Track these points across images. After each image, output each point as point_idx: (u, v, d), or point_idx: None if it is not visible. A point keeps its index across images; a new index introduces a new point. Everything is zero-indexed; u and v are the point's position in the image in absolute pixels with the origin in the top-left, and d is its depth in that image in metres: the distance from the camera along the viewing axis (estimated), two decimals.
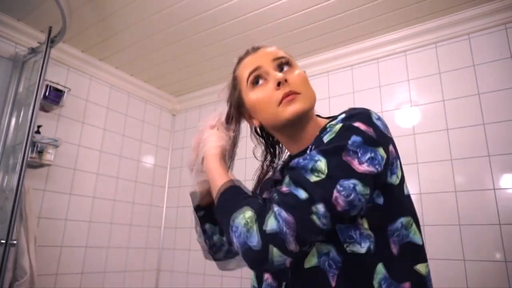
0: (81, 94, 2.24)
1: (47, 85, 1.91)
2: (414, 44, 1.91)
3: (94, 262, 2.17)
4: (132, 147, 2.54)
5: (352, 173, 0.56)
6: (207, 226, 0.83)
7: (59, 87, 1.99)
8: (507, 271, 1.44)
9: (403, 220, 0.64)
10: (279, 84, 0.69)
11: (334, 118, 0.69)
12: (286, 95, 0.68)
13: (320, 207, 0.54)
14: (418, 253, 0.64)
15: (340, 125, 0.62)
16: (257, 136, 0.86)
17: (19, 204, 1.54)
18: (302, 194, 0.56)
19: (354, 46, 2.06)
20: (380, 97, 1.96)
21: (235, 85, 0.79)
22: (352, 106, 2.05)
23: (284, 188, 0.59)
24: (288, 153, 0.81)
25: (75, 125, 2.18)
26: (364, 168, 0.57)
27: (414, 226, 0.66)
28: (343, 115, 0.66)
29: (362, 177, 0.56)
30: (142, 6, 1.77)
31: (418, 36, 1.89)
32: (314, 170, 0.57)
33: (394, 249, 0.61)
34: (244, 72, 0.74)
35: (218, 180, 0.70)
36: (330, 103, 2.12)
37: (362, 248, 0.59)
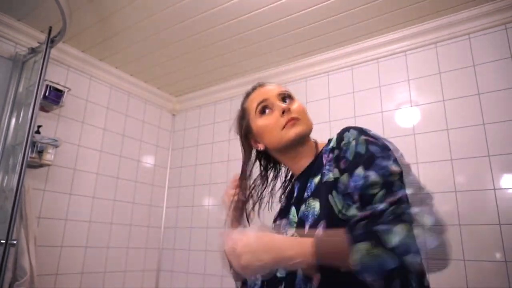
0: (81, 94, 2.24)
1: (47, 85, 1.91)
2: (414, 44, 1.91)
3: (94, 262, 2.17)
4: (132, 147, 2.54)
5: (395, 175, 0.67)
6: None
7: (59, 87, 1.99)
8: (507, 271, 1.44)
9: None
10: (283, 112, 0.83)
11: (329, 141, 0.81)
12: (289, 120, 0.82)
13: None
14: None
15: (353, 141, 0.73)
16: (260, 159, 0.96)
17: (19, 204, 1.54)
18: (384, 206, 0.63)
19: (354, 46, 2.06)
20: (380, 97, 1.96)
21: (243, 115, 0.92)
22: (352, 106, 2.06)
23: (368, 212, 0.64)
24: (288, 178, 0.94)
25: (75, 125, 2.18)
26: (396, 169, 0.68)
27: None
28: (336, 136, 0.78)
29: (400, 176, 0.67)
30: (142, 7, 1.77)
31: (418, 36, 1.89)
32: (370, 186, 0.66)
33: None
34: (253, 103, 0.89)
35: (297, 250, 0.65)
36: (330, 103, 2.12)
37: None
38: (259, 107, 0.87)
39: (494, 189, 1.55)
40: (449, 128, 1.72)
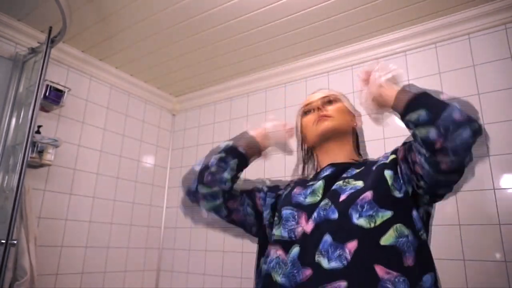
0: (81, 94, 2.24)
1: (47, 85, 1.91)
2: (414, 44, 1.91)
3: (94, 262, 2.18)
4: (132, 147, 2.54)
5: None
6: (233, 164, 0.92)
7: (59, 87, 1.99)
8: (507, 271, 1.44)
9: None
10: (318, 109, 0.95)
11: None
12: (321, 116, 0.93)
13: None
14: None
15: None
16: (302, 151, 1.08)
17: (19, 204, 1.54)
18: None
19: (354, 46, 2.06)
20: None
21: (298, 115, 1.07)
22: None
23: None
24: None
25: (75, 125, 2.19)
26: None
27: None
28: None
29: None
30: (142, 6, 1.77)
31: (418, 36, 1.89)
32: None
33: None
34: (301, 108, 1.04)
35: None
36: None
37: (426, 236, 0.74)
38: (304, 109, 1.01)
39: (494, 189, 1.55)
40: None
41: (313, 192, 0.85)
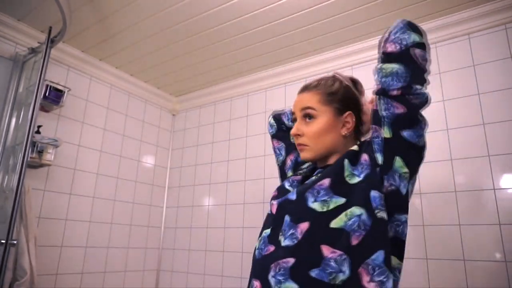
0: (81, 94, 2.24)
1: (47, 85, 1.91)
2: None
3: (94, 262, 2.18)
4: (132, 147, 2.54)
5: None
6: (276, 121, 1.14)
7: (59, 87, 1.99)
8: (507, 271, 1.44)
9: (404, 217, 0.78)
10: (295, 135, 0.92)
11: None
12: (298, 145, 0.91)
13: None
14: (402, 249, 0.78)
15: None
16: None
17: (19, 204, 1.54)
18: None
19: (354, 46, 2.06)
20: None
21: None
22: None
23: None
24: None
25: (75, 125, 2.19)
26: None
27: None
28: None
29: None
30: (142, 6, 1.77)
31: None
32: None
33: (390, 233, 0.75)
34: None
35: None
36: None
37: (386, 216, 0.73)
38: (293, 117, 0.96)
39: (494, 189, 1.55)
40: (449, 128, 1.72)
41: (296, 181, 0.93)
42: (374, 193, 0.73)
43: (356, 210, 0.72)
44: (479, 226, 1.55)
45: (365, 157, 0.79)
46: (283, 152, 1.10)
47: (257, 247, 0.83)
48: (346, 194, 0.75)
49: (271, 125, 1.15)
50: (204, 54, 2.19)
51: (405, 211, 0.77)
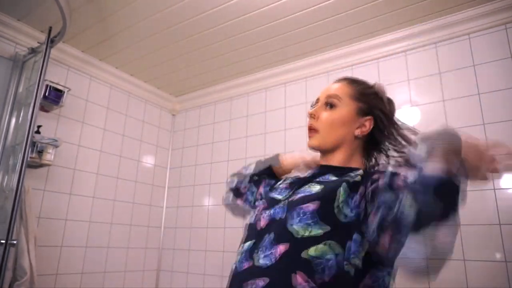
0: (81, 94, 2.24)
1: (47, 85, 1.91)
2: (414, 44, 1.91)
3: (94, 262, 2.18)
4: (132, 147, 2.54)
5: None
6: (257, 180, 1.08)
7: (59, 87, 1.99)
8: (507, 271, 1.44)
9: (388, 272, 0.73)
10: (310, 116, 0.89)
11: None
12: (308, 128, 0.89)
13: None
14: None
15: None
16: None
17: (19, 204, 1.54)
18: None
19: (354, 46, 2.06)
20: None
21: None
22: None
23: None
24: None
25: (75, 125, 2.18)
26: None
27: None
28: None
29: None
30: (142, 6, 1.77)
31: (418, 36, 1.89)
32: None
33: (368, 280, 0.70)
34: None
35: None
36: None
37: (351, 271, 0.67)
38: (313, 102, 0.95)
39: (494, 189, 1.55)
40: None
41: (285, 189, 0.88)
42: (356, 236, 0.69)
43: (336, 247, 0.68)
44: (479, 226, 1.55)
45: (361, 190, 0.74)
46: (253, 190, 1.07)
47: (237, 260, 0.79)
48: (332, 224, 0.70)
49: (252, 193, 1.08)
50: (204, 54, 2.19)
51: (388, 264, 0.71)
